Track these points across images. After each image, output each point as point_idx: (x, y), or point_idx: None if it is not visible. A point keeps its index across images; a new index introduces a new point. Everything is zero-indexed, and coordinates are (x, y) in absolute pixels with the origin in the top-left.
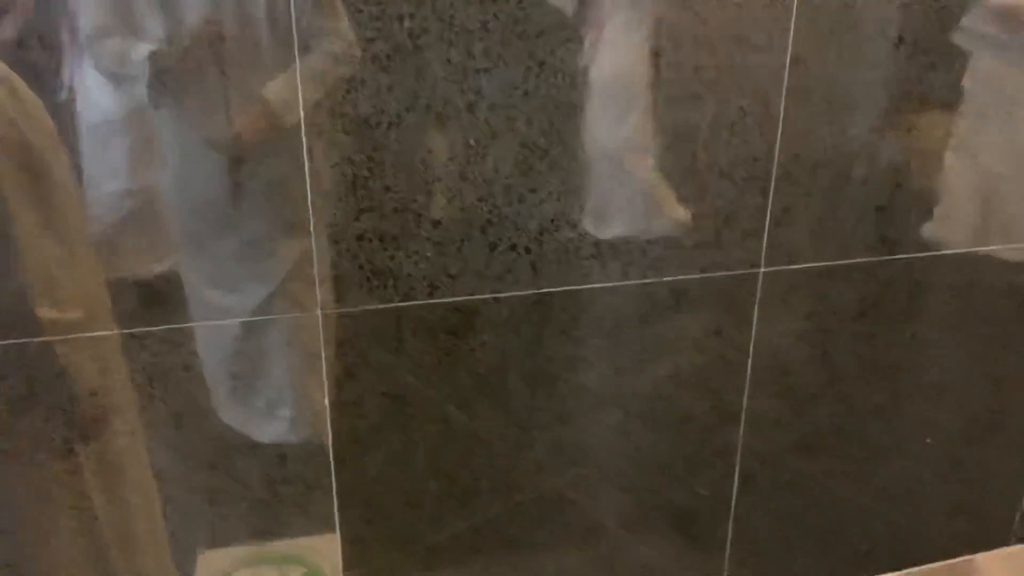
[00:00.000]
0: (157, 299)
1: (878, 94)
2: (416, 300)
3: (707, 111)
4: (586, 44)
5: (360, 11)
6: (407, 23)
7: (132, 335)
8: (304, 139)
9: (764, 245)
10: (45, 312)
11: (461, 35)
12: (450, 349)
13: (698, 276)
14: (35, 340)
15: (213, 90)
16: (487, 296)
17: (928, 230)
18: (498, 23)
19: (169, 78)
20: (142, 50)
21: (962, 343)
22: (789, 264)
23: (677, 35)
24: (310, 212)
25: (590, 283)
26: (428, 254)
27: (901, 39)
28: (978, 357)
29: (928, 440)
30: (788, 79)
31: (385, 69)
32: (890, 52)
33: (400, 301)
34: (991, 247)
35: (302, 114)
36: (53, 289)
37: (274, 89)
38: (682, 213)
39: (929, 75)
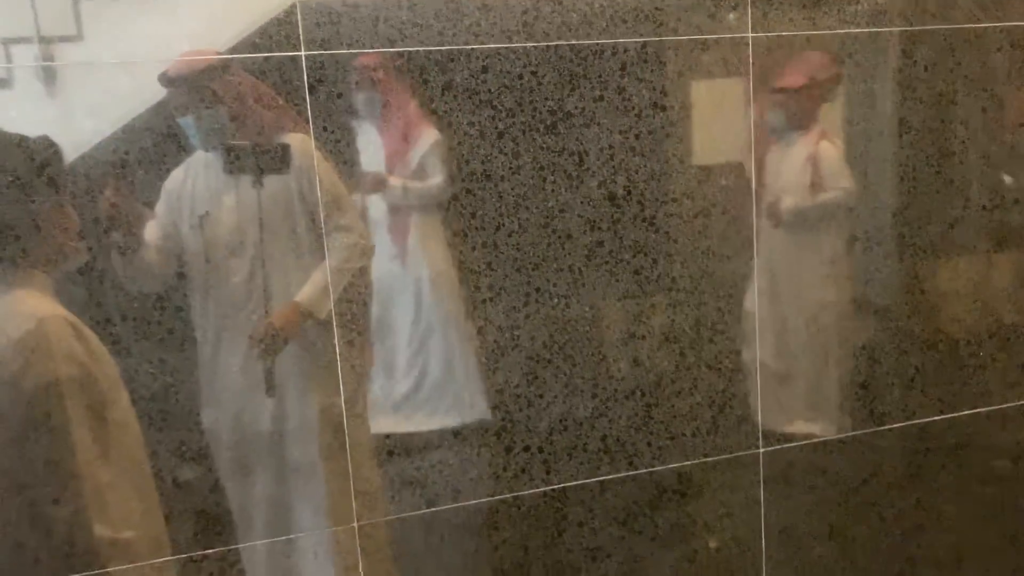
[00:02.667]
0: (210, 522)
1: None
2: (441, 506)
3: (689, 314)
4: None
5: None
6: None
7: (191, 559)
8: (336, 343)
9: (760, 427)
10: (101, 530)
11: (469, 275)
12: (475, 549)
13: (700, 461)
14: (97, 572)
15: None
16: (507, 496)
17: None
18: (499, 261)
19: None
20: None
21: (967, 505)
22: (786, 443)
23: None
24: (346, 430)
25: (600, 475)
26: (451, 462)
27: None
28: (989, 518)
29: None
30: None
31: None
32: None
33: (427, 508)
34: (980, 408)
35: (335, 320)
36: (107, 511)
37: (307, 293)
38: None
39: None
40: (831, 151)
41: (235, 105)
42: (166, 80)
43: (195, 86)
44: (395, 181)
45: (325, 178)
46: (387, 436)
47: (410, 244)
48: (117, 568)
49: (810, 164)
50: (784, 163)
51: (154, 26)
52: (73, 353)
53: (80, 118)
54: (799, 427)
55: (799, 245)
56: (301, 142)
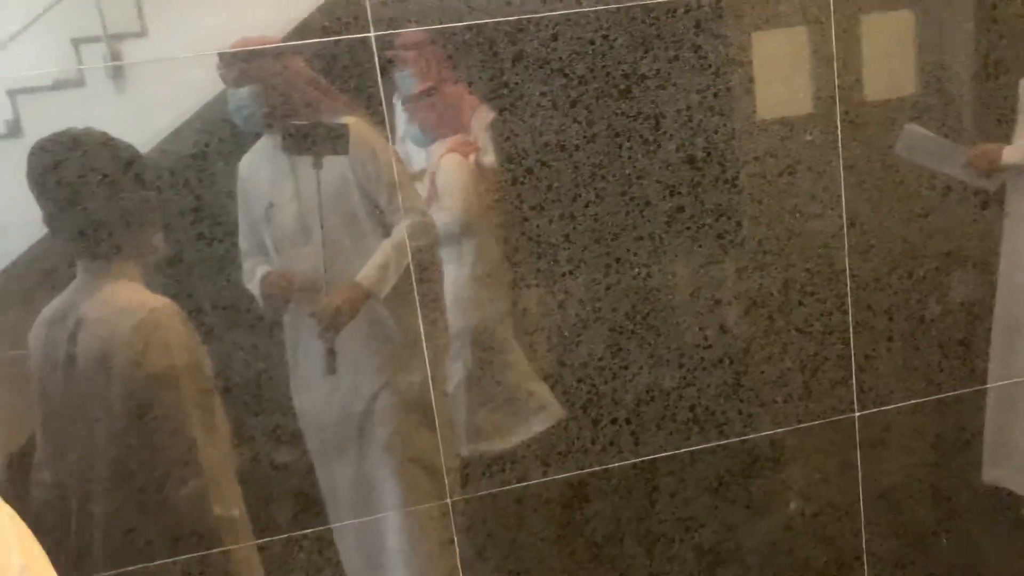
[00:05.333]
0: (307, 503)
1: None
2: (532, 480)
3: (776, 276)
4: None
5: None
6: (502, 247)
7: (291, 538)
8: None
9: (855, 391)
10: (216, 509)
11: (548, 248)
12: (567, 522)
13: (794, 427)
14: (214, 551)
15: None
16: (596, 468)
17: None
18: (577, 232)
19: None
20: (261, 271)
21: None
22: (882, 406)
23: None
24: (435, 412)
25: (689, 446)
26: (538, 436)
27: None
28: None
29: None
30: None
31: (488, 285)
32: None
33: (517, 482)
34: None
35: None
36: (220, 489)
37: (367, 273)
38: None
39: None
40: None
41: (286, 88)
42: (222, 66)
43: (247, 70)
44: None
45: (386, 159)
46: (475, 411)
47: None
48: (225, 548)
49: None
50: None
51: (215, 16)
52: (184, 340)
53: (152, 112)
54: (894, 388)
55: None
56: (356, 124)
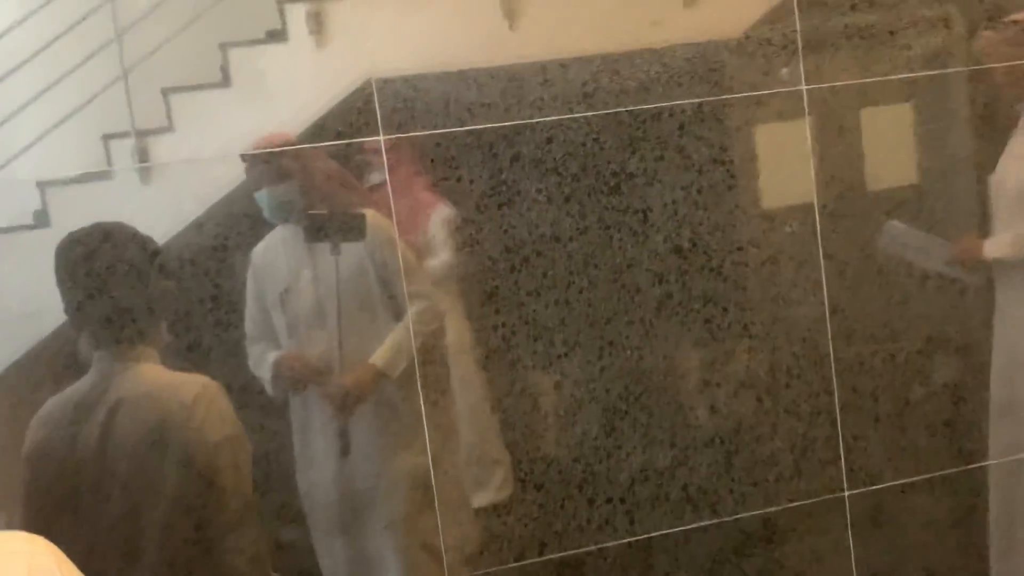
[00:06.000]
0: None
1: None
2: (528, 559)
3: (763, 360)
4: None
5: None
6: (500, 331)
7: None
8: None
9: (844, 470)
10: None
11: (543, 331)
12: None
13: (785, 507)
14: None
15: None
16: (592, 548)
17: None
18: (572, 316)
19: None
20: (272, 355)
21: None
22: (871, 485)
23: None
24: (434, 487)
25: (683, 524)
26: (535, 516)
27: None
28: None
29: None
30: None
31: (486, 368)
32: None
33: (515, 561)
34: None
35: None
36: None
37: (381, 355)
38: None
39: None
40: None
41: (306, 182)
42: (245, 162)
43: (267, 165)
44: None
45: (400, 247)
46: (473, 491)
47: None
48: None
49: None
50: None
51: (238, 116)
52: (232, 413)
53: (176, 205)
54: (883, 468)
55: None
56: (372, 215)
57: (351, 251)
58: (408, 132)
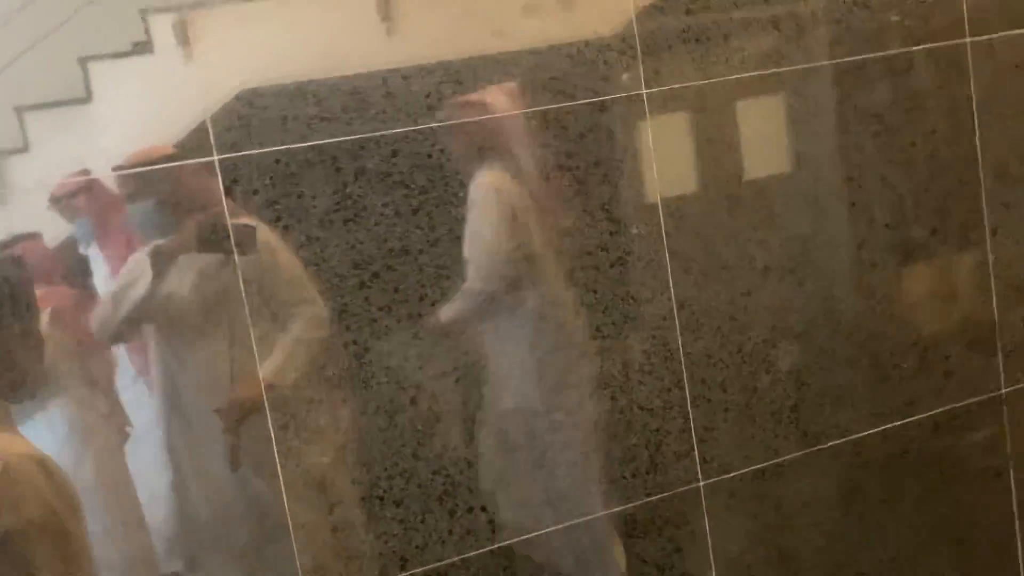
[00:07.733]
0: None
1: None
2: None
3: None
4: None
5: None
6: (352, 348)
7: None
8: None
9: (698, 462)
10: None
11: (397, 346)
12: None
13: (643, 502)
14: None
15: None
16: (455, 559)
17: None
18: (425, 331)
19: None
20: None
21: (908, 513)
22: (724, 474)
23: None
24: (288, 518)
25: (544, 527)
26: (395, 532)
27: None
28: (935, 526)
29: None
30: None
31: (339, 386)
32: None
33: None
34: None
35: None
36: None
37: (269, 365)
38: None
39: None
40: None
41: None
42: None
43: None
44: None
45: (284, 257)
46: (331, 511)
47: None
48: None
49: None
50: None
51: (72, 144)
52: (40, 494)
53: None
54: (736, 455)
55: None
56: (259, 226)
57: (241, 263)
58: (245, 151)
